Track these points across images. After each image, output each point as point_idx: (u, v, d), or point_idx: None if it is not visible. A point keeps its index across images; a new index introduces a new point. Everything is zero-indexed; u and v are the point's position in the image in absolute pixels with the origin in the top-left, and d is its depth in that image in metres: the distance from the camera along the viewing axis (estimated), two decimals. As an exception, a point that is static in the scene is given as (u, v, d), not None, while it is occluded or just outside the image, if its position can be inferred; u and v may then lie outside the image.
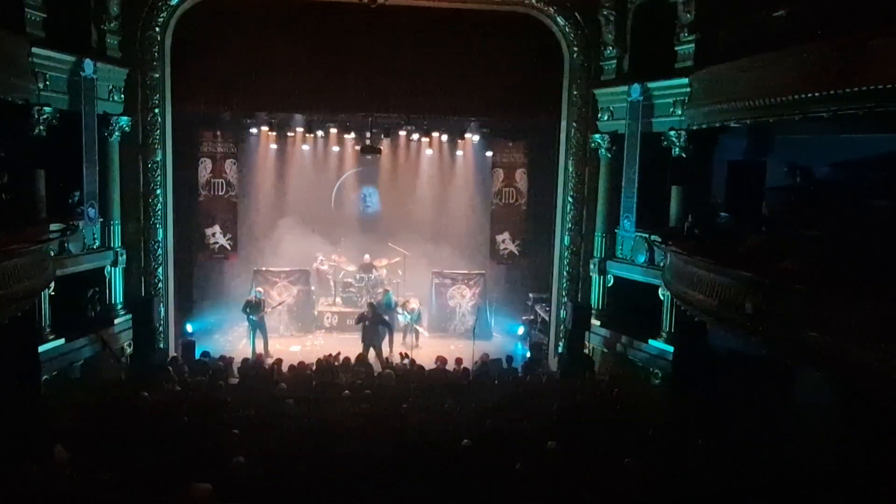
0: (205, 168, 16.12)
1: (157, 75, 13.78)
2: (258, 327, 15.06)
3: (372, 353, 14.22)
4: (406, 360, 13.41)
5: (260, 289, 15.87)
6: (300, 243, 18.23)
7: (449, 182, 18.86)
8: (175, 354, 14.05)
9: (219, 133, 16.29)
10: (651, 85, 13.23)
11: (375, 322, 14.55)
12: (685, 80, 12.48)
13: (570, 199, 15.04)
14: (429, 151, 18.43)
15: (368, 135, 16.96)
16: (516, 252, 17.43)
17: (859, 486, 7.15)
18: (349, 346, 14.49)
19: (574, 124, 14.82)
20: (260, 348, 14.90)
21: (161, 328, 14.17)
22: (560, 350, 15.05)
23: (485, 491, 7.56)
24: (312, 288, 17.16)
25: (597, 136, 14.52)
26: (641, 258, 13.74)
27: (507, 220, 17.38)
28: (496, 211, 17.41)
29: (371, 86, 14.55)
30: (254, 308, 15.05)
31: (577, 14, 14.31)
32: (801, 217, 9.17)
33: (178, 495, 6.83)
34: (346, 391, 10.90)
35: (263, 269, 16.98)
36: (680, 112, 12.70)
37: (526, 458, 8.09)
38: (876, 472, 7.50)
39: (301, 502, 7.12)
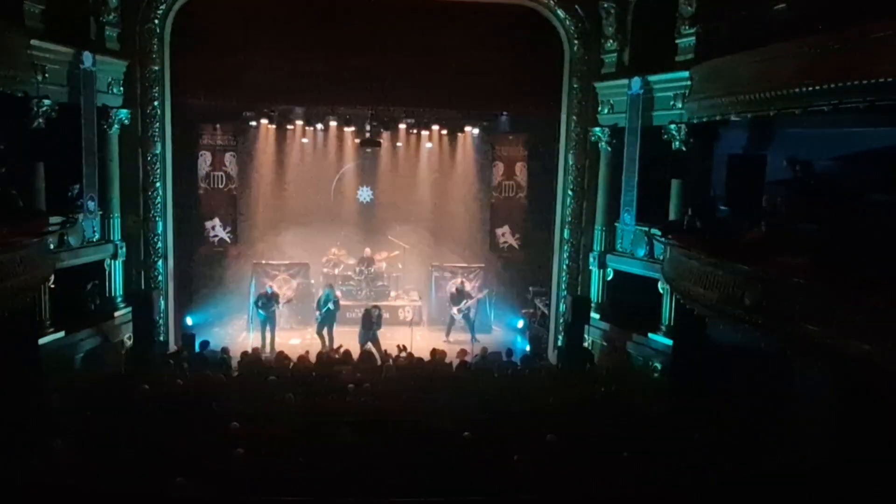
0: (204, 161, 16.11)
1: (156, 68, 13.75)
2: (268, 322, 15.05)
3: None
4: (404, 354, 13.43)
5: (271, 283, 15.87)
6: (299, 236, 18.24)
7: (449, 175, 18.84)
8: (176, 347, 14.07)
9: (218, 126, 16.28)
10: (651, 78, 13.20)
11: (375, 321, 14.61)
12: (686, 74, 12.45)
13: (569, 193, 15.03)
14: (428, 144, 18.42)
15: (368, 128, 16.94)
16: (516, 245, 17.43)
17: (857, 478, 7.18)
18: (349, 339, 14.52)
19: (574, 117, 14.80)
20: (267, 342, 14.91)
21: (161, 321, 14.19)
22: (559, 343, 15.07)
23: (484, 482, 7.59)
24: (312, 281, 17.17)
25: (597, 129, 14.50)
26: (641, 252, 13.75)
27: (507, 213, 17.39)
28: (496, 204, 17.41)
29: (371, 79, 14.54)
30: (266, 303, 15.05)
31: (577, 7, 14.27)
32: (801, 211, 9.16)
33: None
34: (351, 385, 10.92)
35: (263, 261, 16.99)
36: (680, 105, 12.68)
37: (525, 450, 8.12)
38: (873, 465, 7.52)
39: (301, 494, 7.15)
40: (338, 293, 15.77)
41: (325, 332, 15.04)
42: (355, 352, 13.68)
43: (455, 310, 16.22)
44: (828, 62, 8.63)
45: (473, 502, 6.84)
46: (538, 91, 15.04)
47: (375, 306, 15.18)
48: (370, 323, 14.62)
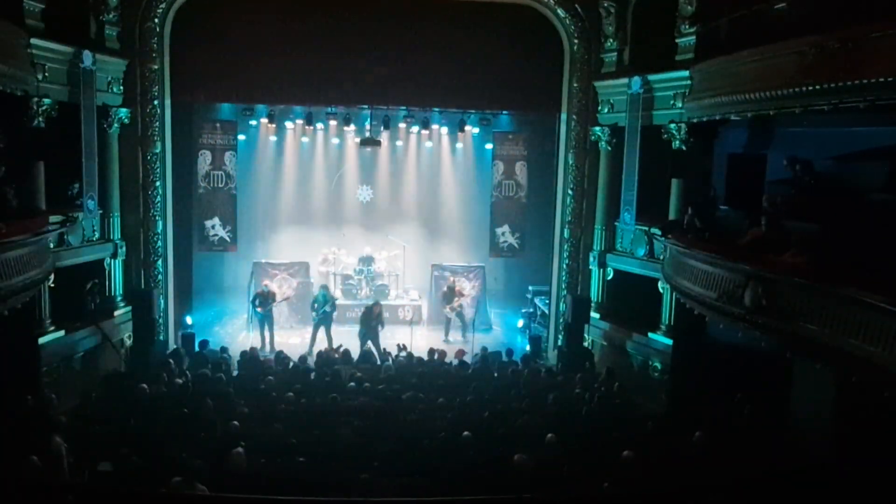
0: (204, 160, 16.10)
1: (156, 67, 13.73)
2: (266, 321, 15.07)
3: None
4: (403, 353, 13.44)
5: (267, 282, 15.89)
6: (299, 236, 18.25)
7: (449, 174, 18.87)
8: (176, 347, 14.07)
9: (218, 125, 16.26)
10: (651, 77, 13.19)
11: (375, 319, 14.61)
12: (686, 73, 12.43)
13: (569, 192, 15.02)
14: (428, 143, 18.43)
15: (368, 127, 16.93)
16: (516, 245, 17.42)
17: (855, 477, 7.18)
18: (349, 338, 14.52)
19: (574, 117, 14.78)
20: (266, 341, 14.92)
21: (161, 320, 14.17)
22: (559, 343, 15.06)
23: (484, 482, 7.59)
24: (312, 280, 17.17)
25: (597, 128, 14.50)
26: (641, 251, 13.74)
27: (507, 212, 17.38)
28: (496, 203, 17.41)
29: (371, 78, 14.52)
30: (263, 301, 15.06)
31: (577, 6, 14.25)
32: (801, 210, 9.16)
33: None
34: (352, 384, 10.94)
35: (263, 261, 16.99)
36: (680, 105, 12.66)
37: (525, 450, 8.12)
38: (872, 464, 7.52)
39: (300, 493, 7.15)
40: (334, 293, 15.71)
41: (321, 332, 15.02)
42: (355, 351, 13.68)
43: (447, 308, 16.20)
44: (828, 61, 8.61)
45: (473, 502, 6.84)
46: (538, 90, 15.02)
47: (378, 303, 15.17)
48: (370, 320, 14.60)
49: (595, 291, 14.77)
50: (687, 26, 12.47)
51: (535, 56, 14.70)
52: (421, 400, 10.38)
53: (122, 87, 13.46)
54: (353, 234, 18.33)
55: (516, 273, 18.35)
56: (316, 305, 15.15)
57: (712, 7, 11.86)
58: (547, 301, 16.03)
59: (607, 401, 10.81)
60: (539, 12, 14.45)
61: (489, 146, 17.75)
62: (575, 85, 14.68)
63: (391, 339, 14.68)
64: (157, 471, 7.37)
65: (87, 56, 12.20)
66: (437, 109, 16.80)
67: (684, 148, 12.68)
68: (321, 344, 14.72)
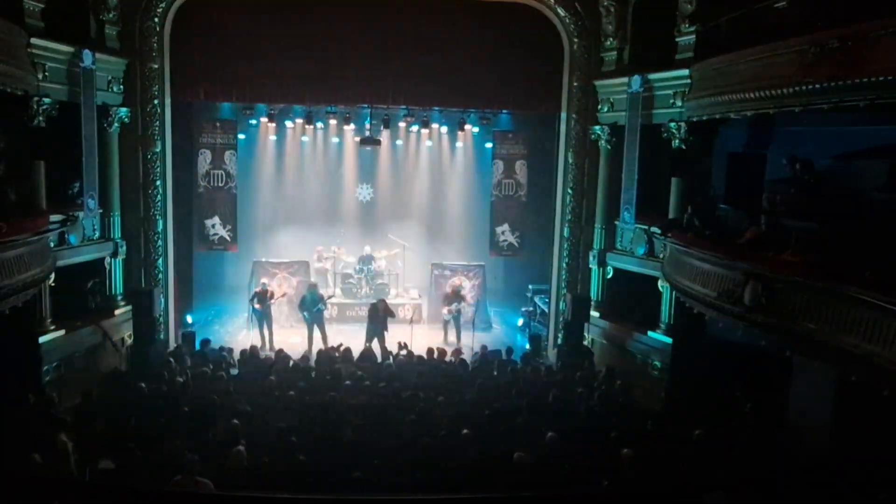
0: (204, 159, 16.12)
1: (156, 66, 13.74)
2: (264, 318, 15.10)
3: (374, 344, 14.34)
4: (404, 352, 13.45)
5: (264, 281, 15.90)
6: (299, 234, 18.27)
7: (448, 173, 18.89)
8: (177, 345, 14.08)
9: (218, 124, 16.28)
10: (651, 76, 13.20)
11: (382, 315, 14.61)
12: (685, 72, 12.44)
13: (569, 191, 15.03)
14: (428, 143, 18.44)
15: (368, 126, 16.95)
16: (516, 244, 17.45)
17: (856, 477, 7.20)
18: (349, 337, 14.54)
19: (574, 116, 14.78)
20: (266, 340, 14.94)
21: (161, 319, 14.18)
22: (559, 341, 15.08)
23: (484, 480, 7.61)
24: (312, 279, 17.17)
25: (597, 127, 14.51)
26: (641, 250, 13.76)
27: (507, 211, 17.41)
28: (496, 202, 17.43)
29: (371, 77, 14.54)
30: (261, 299, 15.08)
31: (577, 5, 14.25)
32: (801, 209, 9.18)
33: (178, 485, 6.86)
34: (348, 381, 10.95)
35: (263, 260, 17.00)
36: (680, 104, 12.67)
37: (525, 448, 8.13)
38: (871, 463, 7.54)
39: (301, 491, 7.16)
40: (322, 292, 15.69)
41: (315, 331, 15.04)
42: (356, 349, 13.69)
43: (445, 310, 16.18)
44: (827, 60, 8.62)
45: (473, 500, 6.85)
46: (538, 89, 15.02)
47: (383, 300, 15.18)
48: (376, 317, 14.62)
49: (595, 290, 14.78)
50: (687, 25, 12.48)
51: (534, 55, 14.70)
52: (421, 398, 10.39)
53: (122, 87, 13.47)
54: (352, 234, 18.34)
55: (516, 272, 18.36)
56: (306, 306, 15.12)
57: (712, 6, 11.87)
58: (547, 300, 16.05)
59: (607, 399, 10.82)
60: (539, 11, 14.45)
61: (489, 145, 17.77)
62: (575, 84, 14.69)
63: (391, 337, 14.68)
64: (158, 468, 7.39)
65: (87, 55, 12.20)
66: (436, 108, 16.81)
67: (684, 147, 12.69)
68: (318, 343, 14.73)
